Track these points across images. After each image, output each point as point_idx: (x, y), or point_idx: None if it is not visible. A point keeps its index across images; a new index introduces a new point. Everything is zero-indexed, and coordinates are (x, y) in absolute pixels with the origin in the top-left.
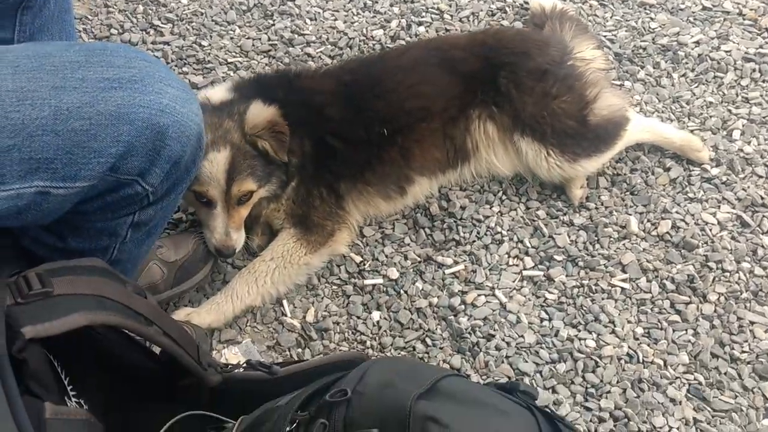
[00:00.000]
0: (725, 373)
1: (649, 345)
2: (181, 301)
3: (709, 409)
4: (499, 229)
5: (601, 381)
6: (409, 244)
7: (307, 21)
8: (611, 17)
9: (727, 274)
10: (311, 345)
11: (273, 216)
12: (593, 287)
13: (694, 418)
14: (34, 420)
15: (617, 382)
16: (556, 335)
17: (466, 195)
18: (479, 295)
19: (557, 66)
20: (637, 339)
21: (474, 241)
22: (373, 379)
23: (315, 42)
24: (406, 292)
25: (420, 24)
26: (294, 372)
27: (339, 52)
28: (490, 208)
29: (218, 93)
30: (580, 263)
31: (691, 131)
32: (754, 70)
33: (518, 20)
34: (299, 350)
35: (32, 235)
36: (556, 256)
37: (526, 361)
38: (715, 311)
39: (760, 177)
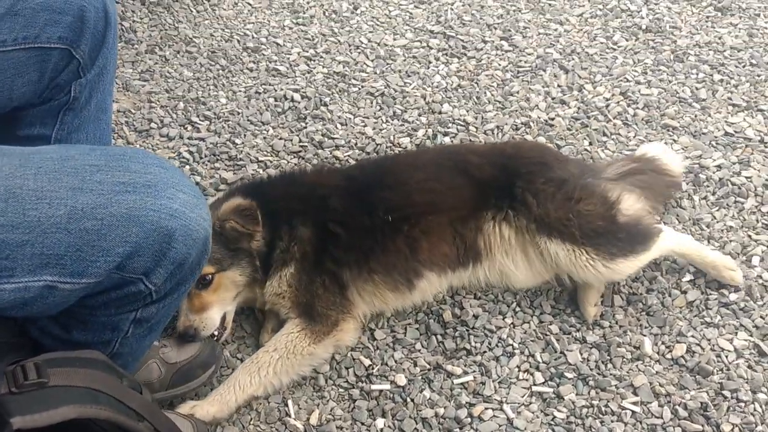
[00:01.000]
0: None
1: None
2: (187, 395)
3: None
4: (510, 341)
5: None
6: (419, 350)
7: (338, 126)
8: (634, 137)
9: (743, 404)
10: None
11: (278, 304)
12: (603, 408)
13: None
14: None
15: None
16: None
17: (479, 304)
18: (486, 409)
19: (576, 177)
20: None
21: (485, 352)
22: None
23: (344, 146)
24: (412, 400)
25: (446, 134)
26: None
27: (366, 157)
28: (503, 319)
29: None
30: (591, 382)
31: None
32: None
33: (542, 135)
34: None
35: (40, 325)
36: (566, 374)
37: None
38: None
39: None
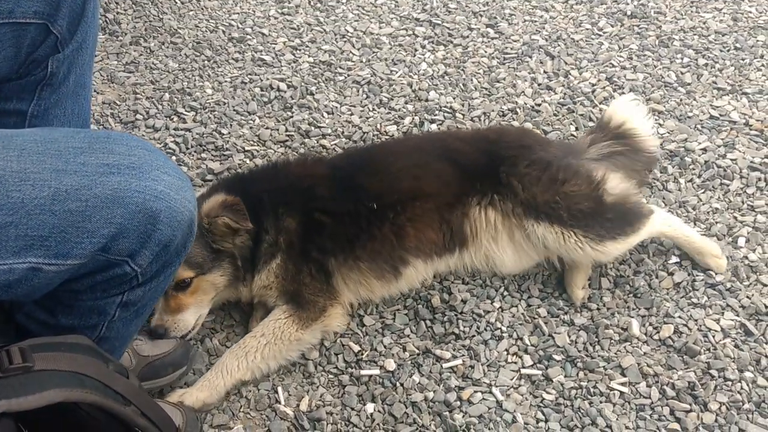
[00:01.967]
0: None
1: None
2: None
3: None
4: (499, 325)
5: None
6: (408, 336)
7: (325, 114)
8: None
9: (730, 383)
10: None
11: (266, 295)
12: (592, 389)
13: None
14: None
15: None
16: None
17: (468, 289)
18: (476, 392)
19: (559, 159)
20: None
21: (473, 336)
22: None
23: (330, 135)
24: (402, 384)
25: (432, 122)
26: None
27: (353, 145)
28: (491, 303)
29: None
30: (579, 364)
31: None
32: (759, 179)
33: (528, 121)
34: None
35: (26, 310)
36: (555, 356)
37: None
38: (716, 421)
39: (765, 285)
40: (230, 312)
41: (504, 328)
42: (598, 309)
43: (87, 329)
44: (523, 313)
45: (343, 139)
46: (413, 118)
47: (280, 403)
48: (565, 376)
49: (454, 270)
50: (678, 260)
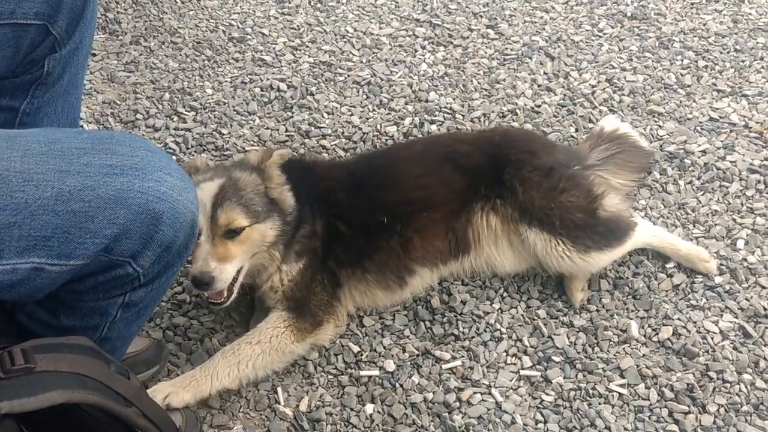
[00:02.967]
0: None
1: None
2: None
3: None
4: (498, 326)
5: None
6: (408, 337)
7: (325, 115)
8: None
9: (728, 385)
10: None
11: (268, 294)
12: (590, 391)
13: None
14: None
15: None
16: None
17: (467, 290)
18: (475, 393)
19: (563, 166)
20: None
21: (473, 337)
22: None
23: (330, 135)
24: (401, 385)
25: (432, 122)
26: None
27: (353, 146)
28: (491, 305)
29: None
30: (578, 365)
31: (696, 238)
32: (758, 182)
33: (528, 122)
34: None
35: (28, 311)
36: (554, 357)
37: None
38: (715, 423)
39: (764, 288)
40: (230, 312)
41: (503, 330)
42: (597, 311)
43: (89, 330)
44: (522, 315)
45: (343, 140)
46: (413, 119)
47: (279, 403)
48: (564, 378)
49: (454, 274)
50: (676, 263)
